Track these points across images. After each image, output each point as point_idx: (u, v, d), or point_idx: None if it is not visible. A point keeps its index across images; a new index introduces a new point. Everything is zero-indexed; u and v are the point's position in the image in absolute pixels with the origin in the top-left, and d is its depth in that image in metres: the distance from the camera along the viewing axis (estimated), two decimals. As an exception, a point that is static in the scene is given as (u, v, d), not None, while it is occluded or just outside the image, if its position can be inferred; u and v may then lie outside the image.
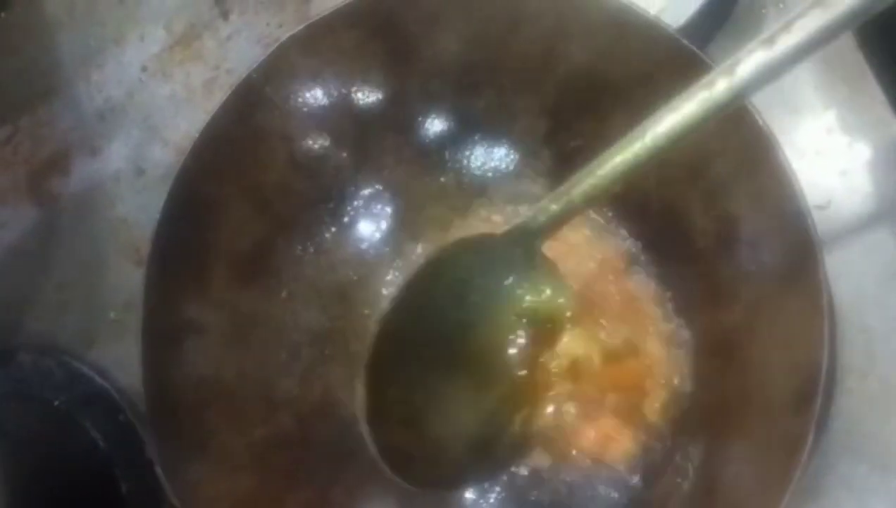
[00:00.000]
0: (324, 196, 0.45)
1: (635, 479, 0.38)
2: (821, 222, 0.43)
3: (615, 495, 0.38)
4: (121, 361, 0.52)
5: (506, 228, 0.35)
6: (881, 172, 0.44)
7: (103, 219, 0.56)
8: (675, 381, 0.39)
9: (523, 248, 0.35)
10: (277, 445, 0.42)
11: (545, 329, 0.38)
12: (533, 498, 0.40)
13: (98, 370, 0.54)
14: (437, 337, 0.36)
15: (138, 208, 0.55)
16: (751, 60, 0.26)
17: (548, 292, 0.37)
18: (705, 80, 0.27)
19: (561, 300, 0.37)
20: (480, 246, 0.36)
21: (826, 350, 0.31)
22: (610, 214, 0.42)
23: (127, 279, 0.53)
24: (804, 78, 0.46)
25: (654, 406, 0.38)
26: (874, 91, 0.45)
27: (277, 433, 0.42)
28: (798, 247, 0.32)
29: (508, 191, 0.45)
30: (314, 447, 0.43)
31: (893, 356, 0.41)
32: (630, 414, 0.38)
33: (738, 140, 0.35)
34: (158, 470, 0.39)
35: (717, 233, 0.37)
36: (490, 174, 0.45)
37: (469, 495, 0.41)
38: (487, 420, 0.38)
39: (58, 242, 0.57)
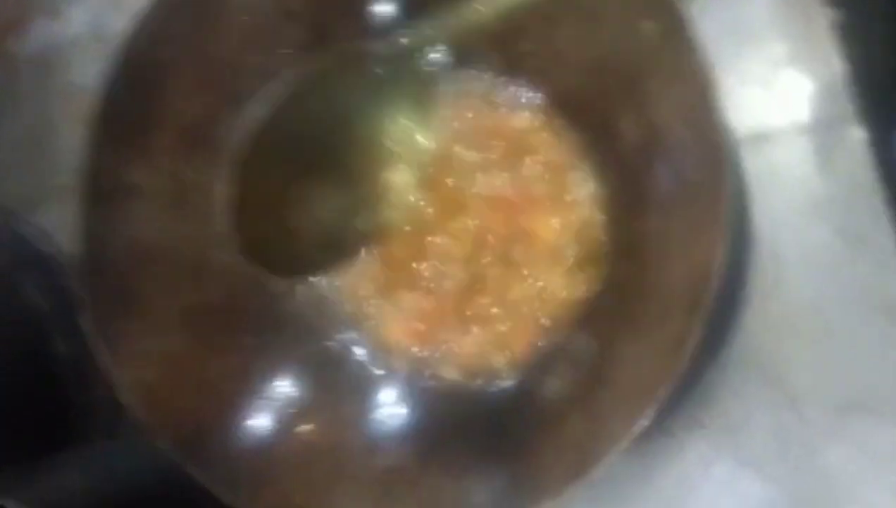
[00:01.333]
0: (275, 74, 0.45)
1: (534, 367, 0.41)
2: (754, 149, 0.45)
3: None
4: (66, 225, 0.52)
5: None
6: (819, 108, 0.45)
7: (59, 83, 0.56)
8: (575, 278, 0.41)
9: (402, 69, 0.39)
10: (206, 312, 0.43)
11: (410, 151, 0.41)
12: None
13: (43, 233, 0.54)
14: (307, 143, 0.40)
15: (95, 75, 0.54)
16: None
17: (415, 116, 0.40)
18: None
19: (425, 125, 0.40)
20: (362, 62, 0.39)
21: (720, 258, 0.32)
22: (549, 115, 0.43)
23: (78, 146, 0.53)
24: (760, 10, 0.46)
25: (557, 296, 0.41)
26: (825, 29, 0.46)
27: (207, 301, 0.43)
28: (710, 162, 0.34)
29: (455, 88, 0.45)
30: (242, 318, 0.44)
31: (799, 283, 0.43)
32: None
33: (670, 54, 0.36)
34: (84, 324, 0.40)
35: (643, 144, 0.38)
36: (438, 69, 0.45)
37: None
38: (341, 216, 0.42)
39: (11, 102, 0.57)
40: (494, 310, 0.42)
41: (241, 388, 0.42)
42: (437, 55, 0.42)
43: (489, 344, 0.42)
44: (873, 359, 0.42)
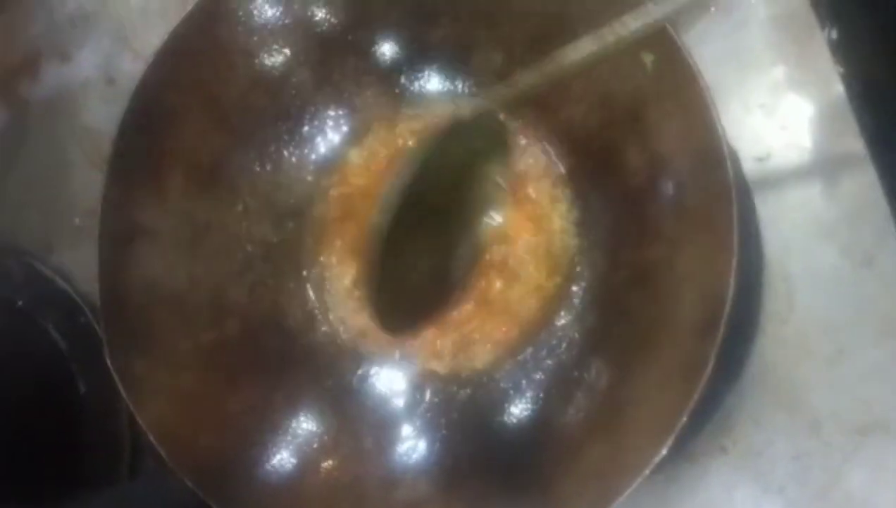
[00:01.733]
0: (283, 114, 0.46)
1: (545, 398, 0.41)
2: (759, 174, 0.45)
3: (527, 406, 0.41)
4: (83, 265, 0.54)
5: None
6: (821, 130, 0.45)
7: (70, 126, 0.57)
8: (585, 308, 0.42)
9: (486, 121, 0.41)
10: (222, 350, 0.44)
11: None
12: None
13: (59, 272, 0.55)
14: (421, 208, 0.41)
15: (106, 118, 0.56)
16: None
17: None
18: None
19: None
20: (454, 128, 0.41)
21: (732, 285, 0.33)
22: (553, 149, 0.43)
23: (92, 186, 0.53)
24: (755, 35, 0.47)
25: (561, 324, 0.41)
26: (822, 50, 0.46)
27: (223, 338, 0.44)
28: (716, 189, 0.34)
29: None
30: (258, 354, 0.45)
31: (811, 306, 0.43)
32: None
33: (671, 84, 0.36)
34: (108, 362, 0.41)
35: (647, 173, 0.39)
36: (446, 103, 0.46)
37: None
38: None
39: (24, 145, 0.58)
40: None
41: (261, 424, 0.43)
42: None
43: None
44: (889, 379, 0.42)
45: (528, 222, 0.44)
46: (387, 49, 0.46)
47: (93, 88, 0.56)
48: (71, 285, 0.55)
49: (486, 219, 0.44)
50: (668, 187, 0.38)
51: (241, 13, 0.43)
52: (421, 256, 0.43)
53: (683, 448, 0.42)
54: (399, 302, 0.42)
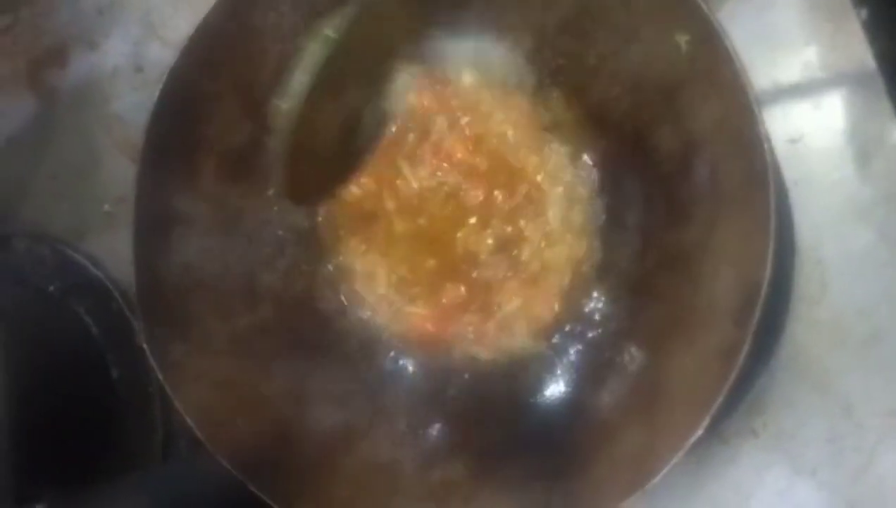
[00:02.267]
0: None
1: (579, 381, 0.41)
2: (791, 155, 0.45)
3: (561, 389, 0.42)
4: (113, 252, 0.54)
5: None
6: (854, 110, 0.45)
7: (100, 114, 0.57)
8: (622, 290, 0.42)
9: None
10: (258, 334, 0.44)
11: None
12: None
13: (91, 259, 0.55)
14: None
15: (135, 106, 0.56)
16: None
17: None
18: None
19: None
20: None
21: (768, 269, 0.33)
22: (585, 132, 0.43)
23: (121, 174, 0.54)
24: (788, 14, 0.46)
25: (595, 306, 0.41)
26: (856, 29, 0.45)
27: (258, 323, 0.44)
28: (753, 172, 0.34)
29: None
30: (293, 339, 0.45)
31: (844, 288, 0.43)
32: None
33: (706, 65, 0.36)
34: (147, 353, 0.41)
35: (681, 156, 0.39)
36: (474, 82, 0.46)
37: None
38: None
39: (54, 133, 0.58)
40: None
41: (296, 407, 0.43)
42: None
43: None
44: (923, 362, 0.42)
45: (560, 205, 0.44)
46: (420, 34, 0.45)
47: (121, 76, 0.57)
48: (102, 271, 0.56)
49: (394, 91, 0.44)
50: (703, 170, 0.38)
51: (272, -2, 0.43)
52: (326, 124, 0.43)
53: (715, 430, 0.42)
54: (306, 172, 0.43)
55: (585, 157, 0.44)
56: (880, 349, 0.43)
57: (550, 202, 0.44)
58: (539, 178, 0.44)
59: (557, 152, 0.44)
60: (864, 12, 0.46)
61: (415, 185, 0.46)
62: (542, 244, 0.43)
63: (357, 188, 0.46)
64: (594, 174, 0.43)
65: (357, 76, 0.44)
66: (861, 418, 0.42)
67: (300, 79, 0.41)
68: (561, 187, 0.44)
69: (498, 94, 0.44)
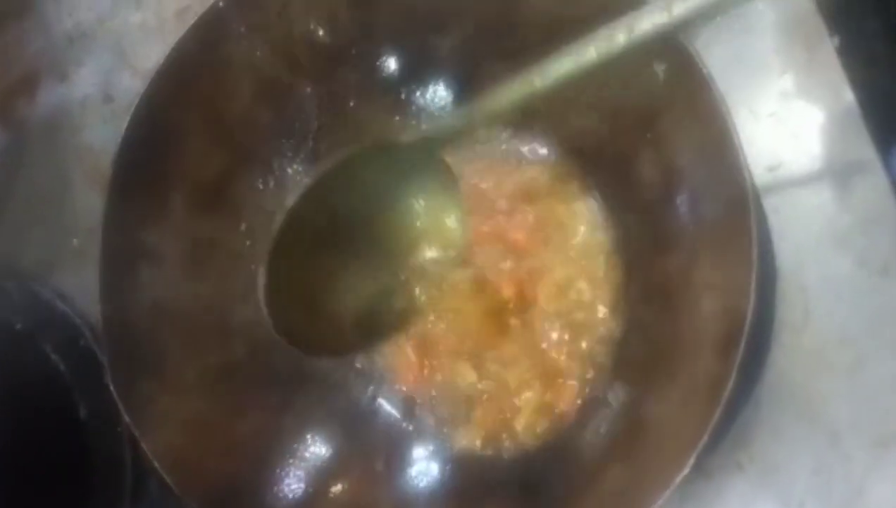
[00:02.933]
0: (287, 130, 0.46)
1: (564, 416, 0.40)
2: (770, 183, 0.44)
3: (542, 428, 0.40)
4: (83, 287, 0.53)
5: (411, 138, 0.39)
6: (831, 137, 0.45)
7: (70, 145, 0.56)
8: (607, 324, 0.41)
9: (426, 156, 0.39)
10: (230, 371, 0.43)
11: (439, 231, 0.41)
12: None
13: (59, 295, 0.54)
14: (339, 227, 0.41)
15: (106, 136, 0.55)
16: None
17: (442, 199, 0.41)
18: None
19: (453, 207, 0.41)
20: (388, 151, 0.40)
21: (752, 300, 0.32)
22: (563, 160, 0.43)
23: (91, 206, 0.53)
24: (763, 41, 0.46)
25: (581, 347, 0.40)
26: (831, 56, 0.45)
27: (230, 359, 0.43)
28: (734, 200, 0.34)
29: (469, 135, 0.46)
30: (267, 375, 0.44)
31: (827, 315, 0.43)
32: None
33: (685, 93, 0.36)
34: (112, 388, 0.40)
35: (662, 184, 0.38)
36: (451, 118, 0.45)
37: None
38: (376, 297, 0.43)
39: (23, 165, 0.57)
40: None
41: (270, 447, 0.42)
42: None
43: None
44: (909, 389, 0.41)
45: (533, 236, 0.43)
46: (392, 62, 0.45)
47: (92, 107, 0.56)
48: (71, 307, 0.54)
49: (425, 258, 0.43)
50: (684, 199, 0.37)
51: (243, 28, 0.42)
52: (337, 276, 0.42)
53: (699, 465, 0.41)
54: (298, 309, 0.41)
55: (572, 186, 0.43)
56: (865, 377, 0.42)
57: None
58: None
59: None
60: (836, 39, 0.46)
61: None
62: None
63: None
64: (579, 204, 0.43)
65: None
66: (848, 448, 0.41)
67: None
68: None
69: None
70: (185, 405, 0.41)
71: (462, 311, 0.43)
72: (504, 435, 0.41)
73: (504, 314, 0.42)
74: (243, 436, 0.42)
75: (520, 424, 0.40)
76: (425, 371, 0.43)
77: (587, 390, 0.40)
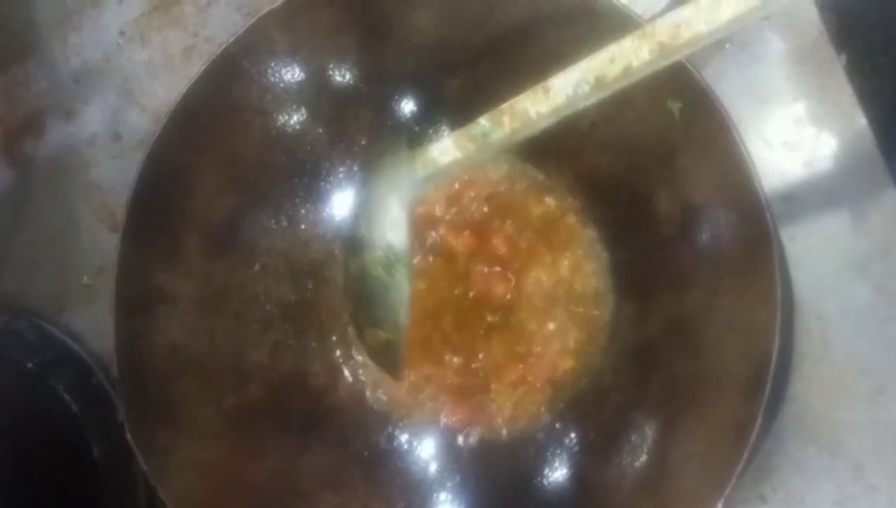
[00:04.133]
0: (299, 171, 0.45)
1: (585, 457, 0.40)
2: (785, 212, 0.44)
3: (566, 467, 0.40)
4: (93, 325, 0.52)
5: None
6: (845, 165, 0.45)
7: (77, 183, 0.56)
8: (625, 361, 0.41)
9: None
10: (247, 414, 0.43)
11: None
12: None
13: (70, 333, 0.54)
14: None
15: (114, 174, 0.55)
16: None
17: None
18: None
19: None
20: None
21: (777, 341, 0.32)
22: (579, 202, 0.43)
23: (100, 244, 0.53)
24: (775, 69, 0.46)
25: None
26: (843, 84, 0.45)
27: (247, 402, 0.43)
28: (755, 239, 0.33)
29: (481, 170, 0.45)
30: (284, 417, 0.43)
31: (846, 343, 0.43)
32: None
33: (702, 131, 0.36)
34: (129, 436, 0.39)
35: (680, 221, 0.38)
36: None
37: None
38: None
39: (31, 204, 0.57)
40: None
41: (287, 491, 0.41)
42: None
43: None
44: (930, 418, 0.41)
45: (552, 270, 0.43)
46: (401, 101, 0.45)
47: (99, 145, 0.56)
48: (82, 345, 0.54)
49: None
50: (703, 236, 0.37)
51: (253, 71, 0.42)
52: None
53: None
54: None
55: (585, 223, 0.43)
56: (886, 406, 0.42)
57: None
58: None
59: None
60: (843, 57, 0.46)
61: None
62: (544, 317, 0.42)
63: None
64: (595, 243, 0.43)
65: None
66: (871, 479, 0.41)
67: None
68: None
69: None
70: (201, 451, 0.41)
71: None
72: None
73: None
74: (261, 479, 0.41)
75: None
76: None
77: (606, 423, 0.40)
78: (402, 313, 0.38)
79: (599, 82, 0.32)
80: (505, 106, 0.35)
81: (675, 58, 0.31)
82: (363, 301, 0.39)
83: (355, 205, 0.40)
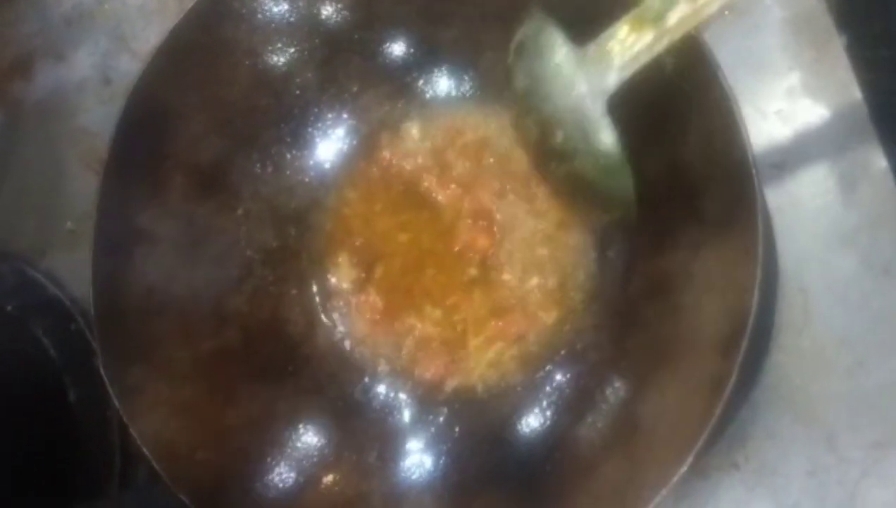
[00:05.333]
0: (286, 115, 0.45)
1: (559, 411, 0.40)
2: (775, 181, 0.44)
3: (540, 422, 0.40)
4: (75, 270, 0.52)
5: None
6: (837, 136, 0.44)
7: (66, 127, 0.55)
8: (606, 319, 0.40)
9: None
10: (223, 359, 0.42)
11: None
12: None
13: (52, 278, 0.53)
14: None
15: (102, 119, 0.54)
16: None
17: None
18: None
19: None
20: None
21: (756, 298, 0.32)
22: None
23: (86, 190, 0.52)
24: (771, 38, 0.46)
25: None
26: (839, 55, 0.45)
27: (223, 347, 0.43)
28: (738, 198, 0.33)
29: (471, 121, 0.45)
30: (259, 363, 0.43)
31: (828, 316, 0.42)
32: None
33: (692, 87, 0.35)
34: (102, 372, 0.39)
35: (667, 179, 0.38)
36: (453, 105, 0.45)
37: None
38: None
39: (18, 147, 0.56)
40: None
41: (261, 437, 0.41)
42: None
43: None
44: (908, 392, 0.41)
45: (536, 226, 0.43)
46: (394, 49, 0.44)
47: (89, 89, 0.55)
48: (63, 290, 0.54)
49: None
50: (688, 195, 0.37)
51: (243, 10, 0.42)
52: None
53: (695, 463, 0.41)
54: None
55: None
56: (864, 379, 0.42)
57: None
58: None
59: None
60: (845, 38, 0.46)
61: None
62: (527, 272, 0.42)
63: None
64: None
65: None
66: (845, 450, 0.41)
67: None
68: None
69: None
70: (176, 393, 0.41)
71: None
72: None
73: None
74: (234, 426, 0.41)
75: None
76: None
77: (582, 379, 0.39)
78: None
79: None
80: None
81: None
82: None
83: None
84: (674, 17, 0.33)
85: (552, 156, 0.39)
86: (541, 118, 0.38)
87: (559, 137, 0.37)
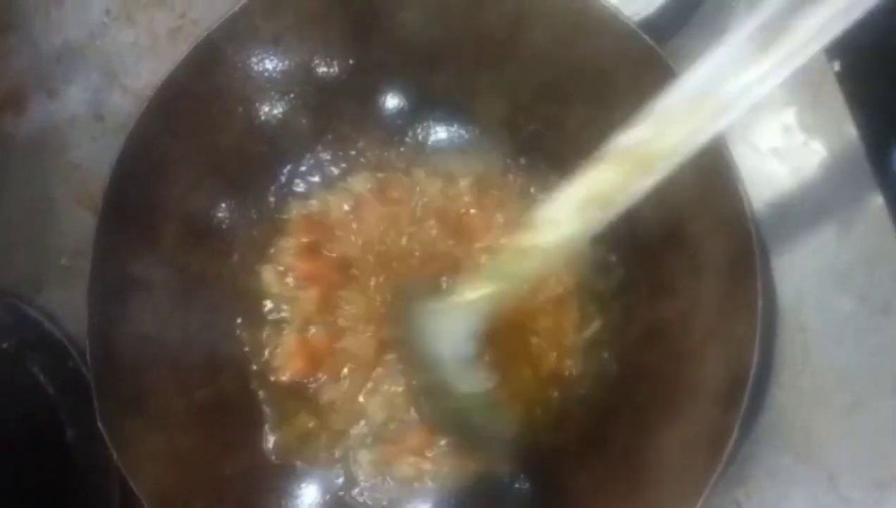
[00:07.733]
0: (281, 161, 0.45)
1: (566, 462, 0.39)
2: (770, 219, 0.44)
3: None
4: (70, 306, 0.52)
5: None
6: (832, 173, 0.45)
7: (57, 163, 0.55)
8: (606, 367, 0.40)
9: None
10: (219, 407, 0.42)
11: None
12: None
13: (46, 314, 0.53)
14: None
15: (94, 155, 0.54)
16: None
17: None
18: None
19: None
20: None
21: (756, 354, 0.32)
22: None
23: (79, 225, 0.52)
24: (767, 76, 0.46)
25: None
26: (835, 92, 0.45)
27: (219, 395, 0.42)
28: (738, 251, 0.33)
29: (464, 167, 0.45)
30: (254, 411, 0.43)
31: (827, 355, 0.42)
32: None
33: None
34: (100, 425, 0.39)
35: (664, 228, 0.37)
36: (447, 150, 0.45)
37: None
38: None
39: (9, 182, 0.56)
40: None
41: (257, 486, 0.41)
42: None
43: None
44: (908, 431, 0.41)
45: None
46: (388, 96, 0.44)
47: (80, 125, 0.55)
48: (58, 327, 0.53)
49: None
50: (685, 243, 0.36)
51: (238, 59, 0.41)
52: None
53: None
54: None
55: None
56: (864, 417, 0.42)
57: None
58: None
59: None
60: (837, 64, 0.46)
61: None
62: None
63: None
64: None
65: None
66: (845, 490, 0.41)
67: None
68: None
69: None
70: (172, 442, 0.40)
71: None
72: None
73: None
74: (232, 474, 0.41)
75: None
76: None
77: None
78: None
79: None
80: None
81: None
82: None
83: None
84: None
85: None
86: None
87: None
